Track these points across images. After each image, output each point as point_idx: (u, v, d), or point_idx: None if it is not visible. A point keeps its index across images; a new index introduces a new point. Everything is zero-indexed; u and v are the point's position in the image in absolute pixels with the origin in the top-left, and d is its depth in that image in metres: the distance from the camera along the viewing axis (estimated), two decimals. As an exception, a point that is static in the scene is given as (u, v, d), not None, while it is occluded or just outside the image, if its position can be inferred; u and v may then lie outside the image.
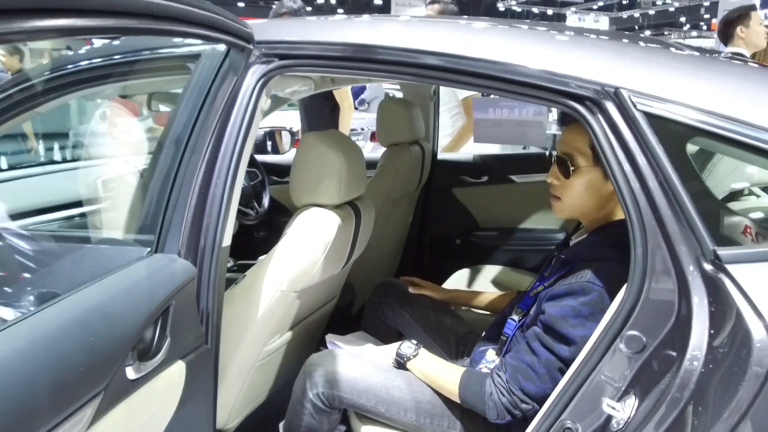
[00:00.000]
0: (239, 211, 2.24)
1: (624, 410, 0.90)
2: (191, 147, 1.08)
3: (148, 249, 0.99)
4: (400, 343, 1.42)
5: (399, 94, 3.17)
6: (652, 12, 24.46)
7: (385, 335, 1.76)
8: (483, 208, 2.67)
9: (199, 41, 1.29)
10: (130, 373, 0.80)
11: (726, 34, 3.36)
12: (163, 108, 2.61)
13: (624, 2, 24.68)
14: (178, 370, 0.92)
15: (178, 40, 1.41)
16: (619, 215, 1.19)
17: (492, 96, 2.46)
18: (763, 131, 0.85)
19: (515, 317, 1.34)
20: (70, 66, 1.49)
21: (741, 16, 3.30)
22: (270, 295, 1.36)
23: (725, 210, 0.92)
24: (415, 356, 1.37)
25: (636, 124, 0.90)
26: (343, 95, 3.16)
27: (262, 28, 1.21)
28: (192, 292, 1.00)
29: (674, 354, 0.86)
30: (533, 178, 2.59)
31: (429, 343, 1.60)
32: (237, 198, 1.21)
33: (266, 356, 1.48)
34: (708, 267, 0.84)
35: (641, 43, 1.11)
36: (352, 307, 2.29)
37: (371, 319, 1.77)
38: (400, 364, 1.39)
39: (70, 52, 1.58)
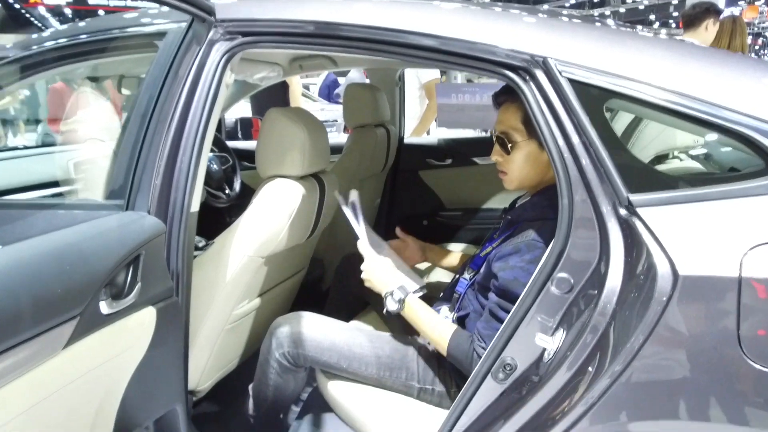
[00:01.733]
0: (211, 194, 2.31)
1: (554, 342, 1.01)
2: (157, 115, 1.15)
3: (120, 211, 1.07)
4: (396, 285, 1.40)
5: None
6: (622, 10, 24.94)
7: (351, 304, 1.85)
8: (448, 189, 2.78)
9: (165, 21, 1.37)
10: (104, 308, 0.88)
11: (693, 19, 3.32)
12: (126, 92, 2.66)
13: (595, 0, 25.16)
14: (149, 315, 1.00)
15: (145, 19, 1.49)
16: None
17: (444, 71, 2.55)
18: (668, 92, 0.97)
19: (467, 276, 1.44)
20: (35, 47, 1.55)
21: (716, 12, 3.31)
22: (238, 260, 1.44)
23: (639, 160, 1.02)
24: (402, 301, 1.37)
25: (561, 89, 1.01)
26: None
27: (226, 7, 1.29)
28: (161, 245, 1.08)
29: (594, 292, 0.97)
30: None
31: None
32: (204, 166, 1.29)
33: (236, 320, 1.56)
34: (623, 212, 0.95)
35: (572, 19, 1.22)
36: (322, 283, 2.38)
37: (338, 289, 1.86)
38: (394, 309, 1.38)
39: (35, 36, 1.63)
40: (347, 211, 1.54)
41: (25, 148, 2.87)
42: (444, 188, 2.79)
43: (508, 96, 1.32)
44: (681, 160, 1.28)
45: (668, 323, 0.85)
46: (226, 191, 2.52)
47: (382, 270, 1.43)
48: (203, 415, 1.59)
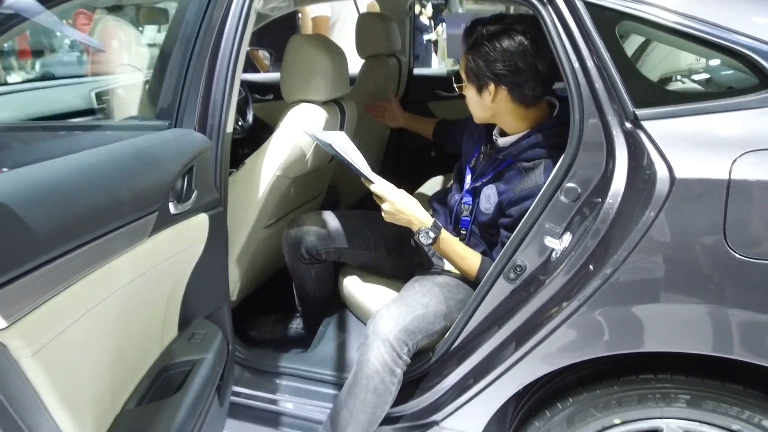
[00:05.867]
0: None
1: (561, 244, 1.14)
2: (200, 40, 1.23)
3: (168, 123, 1.17)
4: (431, 220, 1.41)
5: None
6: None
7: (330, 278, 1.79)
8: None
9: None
10: (172, 208, 1.00)
11: None
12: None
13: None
14: (204, 219, 1.13)
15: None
16: (539, 117, 1.39)
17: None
18: (677, 14, 1.05)
19: (466, 214, 1.52)
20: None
21: None
22: (268, 179, 1.55)
23: (646, 78, 1.12)
24: (436, 239, 1.40)
25: (577, 11, 1.09)
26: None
27: None
28: (208, 160, 1.19)
29: (599, 200, 1.09)
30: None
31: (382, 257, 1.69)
32: (237, 89, 1.37)
33: (265, 237, 1.70)
34: (628, 126, 1.05)
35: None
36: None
37: (308, 273, 1.71)
38: (428, 243, 1.40)
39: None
40: (340, 157, 1.42)
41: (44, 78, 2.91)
42: (453, 119, 2.86)
43: (465, 40, 1.40)
44: (683, 83, 1.37)
45: (664, 220, 0.97)
46: (240, 122, 2.59)
47: (411, 204, 1.40)
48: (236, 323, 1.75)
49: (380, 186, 1.41)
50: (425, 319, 1.34)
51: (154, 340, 1.05)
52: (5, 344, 0.71)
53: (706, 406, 1.04)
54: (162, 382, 1.01)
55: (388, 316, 1.31)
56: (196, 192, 1.08)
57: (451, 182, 1.72)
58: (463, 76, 1.42)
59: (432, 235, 1.39)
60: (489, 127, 1.55)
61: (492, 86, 1.35)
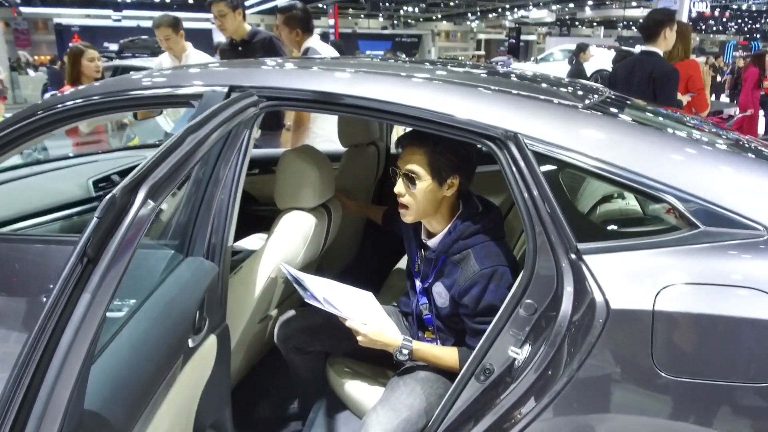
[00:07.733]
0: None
1: (522, 353, 1.33)
2: (214, 178, 1.42)
3: (182, 255, 1.35)
4: (400, 339, 1.56)
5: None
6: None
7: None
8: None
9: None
10: (191, 342, 1.17)
11: (652, 32, 3.69)
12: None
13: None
14: (213, 341, 1.29)
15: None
16: (451, 214, 1.61)
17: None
18: (601, 162, 1.27)
19: (427, 313, 1.72)
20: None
21: (670, 19, 3.68)
22: (263, 282, 1.72)
23: (586, 217, 1.33)
24: (410, 353, 1.56)
25: (528, 159, 1.30)
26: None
27: (254, 75, 1.55)
28: (216, 283, 1.36)
29: (553, 314, 1.29)
30: (481, 169, 3.00)
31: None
32: (238, 206, 1.55)
33: (259, 330, 1.86)
34: (573, 257, 1.26)
35: (539, 96, 1.51)
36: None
37: (299, 362, 1.91)
38: (405, 359, 1.56)
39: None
40: (315, 303, 1.59)
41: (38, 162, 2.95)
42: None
43: (413, 140, 1.58)
44: (623, 199, 1.60)
45: (603, 343, 1.17)
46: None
47: (381, 332, 1.55)
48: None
49: (352, 323, 1.56)
50: (410, 420, 1.49)
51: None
52: None
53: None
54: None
55: (377, 422, 1.47)
56: (207, 320, 1.25)
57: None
58: (424, 173, 1.54)
59: (406, 351, 1.56)
60: (417, 233, 1.75)
61: (456, 177, 1.55)
